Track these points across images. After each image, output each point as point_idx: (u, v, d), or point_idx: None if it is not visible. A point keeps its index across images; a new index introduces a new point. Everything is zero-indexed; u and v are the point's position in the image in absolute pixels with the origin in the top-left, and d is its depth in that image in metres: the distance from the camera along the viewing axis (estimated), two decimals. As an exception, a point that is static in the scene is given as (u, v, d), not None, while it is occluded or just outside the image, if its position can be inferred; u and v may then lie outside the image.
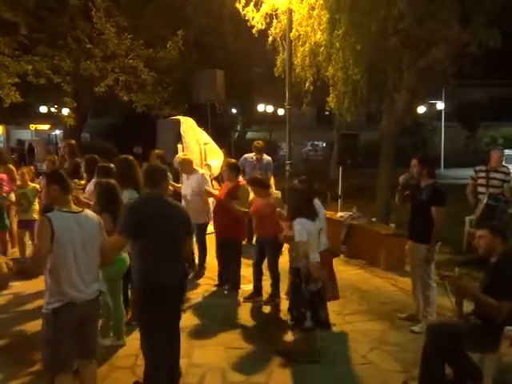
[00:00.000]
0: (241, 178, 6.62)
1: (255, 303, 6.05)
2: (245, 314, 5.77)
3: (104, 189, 4.68)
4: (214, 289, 6.58)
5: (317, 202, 5.05)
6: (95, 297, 3.47)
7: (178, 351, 4.00)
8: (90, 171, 6.09)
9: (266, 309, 5.92)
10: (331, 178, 11.84)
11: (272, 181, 8.49)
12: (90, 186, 5.67)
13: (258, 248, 6.09)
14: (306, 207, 4.63)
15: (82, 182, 6.67)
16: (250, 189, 6.14)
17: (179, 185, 7.06)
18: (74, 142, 8.44)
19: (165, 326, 3.77)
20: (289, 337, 5.06)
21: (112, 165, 5.57)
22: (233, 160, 6.82)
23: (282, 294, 5.94)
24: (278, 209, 5.38)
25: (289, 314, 4.85)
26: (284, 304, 5.52)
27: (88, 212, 3.55)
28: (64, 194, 3.38)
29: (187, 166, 6.91)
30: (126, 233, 3.64)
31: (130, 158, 5.42)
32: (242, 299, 6.18)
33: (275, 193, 6.16)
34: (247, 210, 6.08)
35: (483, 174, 7.52)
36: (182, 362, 4.14)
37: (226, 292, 6.44)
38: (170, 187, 6.69)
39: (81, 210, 3.48)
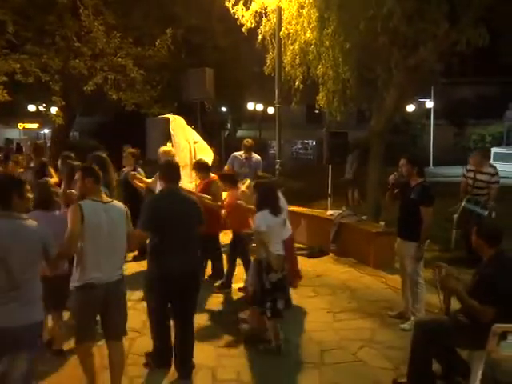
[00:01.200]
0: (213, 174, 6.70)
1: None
2: (235, 312, 5.76)
3: None
4: (204, 286, 6.57)
5: (280, 196, 5.24)
6: (118, 279, 3.74)
7: (192, 341, 4.23)
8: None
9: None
10: (347, 178, 11.70)
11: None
12: None
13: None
14: (270, 201, 4.71)
15: (53, 180, 6.68)
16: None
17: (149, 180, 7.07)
18: (40, 142, 8.64)
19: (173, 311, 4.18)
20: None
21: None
22: (201, 159, 6.79)
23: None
24: (238, 201, 5.73)
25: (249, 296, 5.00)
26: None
27: (116, 202, 3.87)
28: (97, 184, 3.75)
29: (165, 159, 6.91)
30: (146, 225, 3.96)
31: (104, 155, 5.64)
32: (237, 288, 6.35)
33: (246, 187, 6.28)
34: (219, 204, 6.26)
35: (471, 174, 7.55)
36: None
37: (215, 287, 6.48)
38: (142, 184, 6.98)
39: (110, 200, 3.80)
